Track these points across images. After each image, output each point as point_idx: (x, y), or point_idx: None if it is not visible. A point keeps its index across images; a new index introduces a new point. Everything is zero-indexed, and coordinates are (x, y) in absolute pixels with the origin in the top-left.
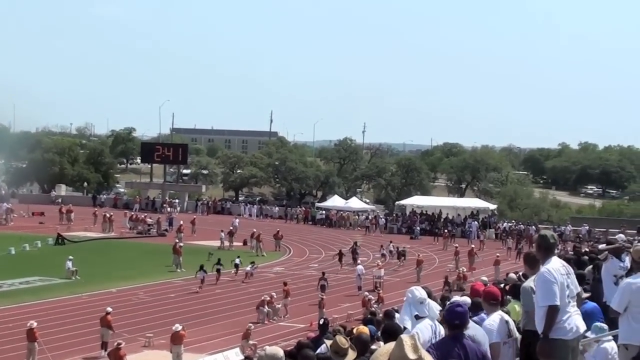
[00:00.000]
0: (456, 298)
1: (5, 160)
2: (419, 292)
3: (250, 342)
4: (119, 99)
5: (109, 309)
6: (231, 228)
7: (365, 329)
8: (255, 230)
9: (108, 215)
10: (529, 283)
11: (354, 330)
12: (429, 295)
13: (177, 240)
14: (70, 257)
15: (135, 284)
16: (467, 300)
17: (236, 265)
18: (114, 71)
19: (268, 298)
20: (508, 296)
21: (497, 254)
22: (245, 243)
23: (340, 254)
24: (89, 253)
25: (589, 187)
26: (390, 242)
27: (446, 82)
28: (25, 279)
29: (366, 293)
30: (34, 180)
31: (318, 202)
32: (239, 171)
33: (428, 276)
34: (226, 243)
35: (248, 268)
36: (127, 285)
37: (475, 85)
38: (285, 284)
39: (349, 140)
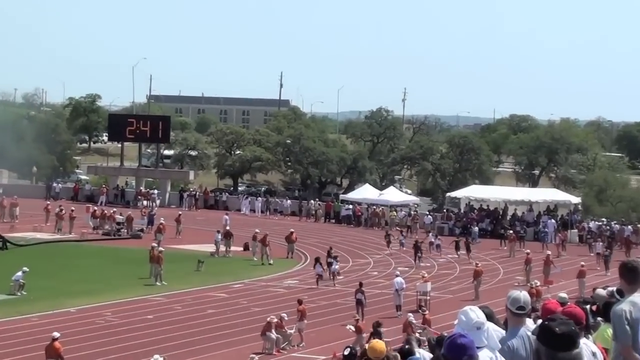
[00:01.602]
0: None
1: None
2: (475, 313)
3: None
4: (79, 56)
5: (56, 334)
6: (227, 228)
7: (380, 345)
8: (258, 231)
9: (64, 210)
10: (625, 305)
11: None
12: (489, 318)
13: (155, 245)
14: (25, 268)
15: (101, 302)
16: (529, 324)
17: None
18: (73, 19)
19: (276, 320)
20: (599, 318)
21: (582, 263)
22: (246, 248)
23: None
24: (40, 260)
25: None
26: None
27: (514, 37)
28: None
29: (410, 315)
30: None
31: (343, 193)
32: (238, 152)
33: (489, 292)
34: (222, 247)
35: (335, 266)
36: (89, 303)
37: (552, 40)
38: (300, 302)
39: (385, 112)
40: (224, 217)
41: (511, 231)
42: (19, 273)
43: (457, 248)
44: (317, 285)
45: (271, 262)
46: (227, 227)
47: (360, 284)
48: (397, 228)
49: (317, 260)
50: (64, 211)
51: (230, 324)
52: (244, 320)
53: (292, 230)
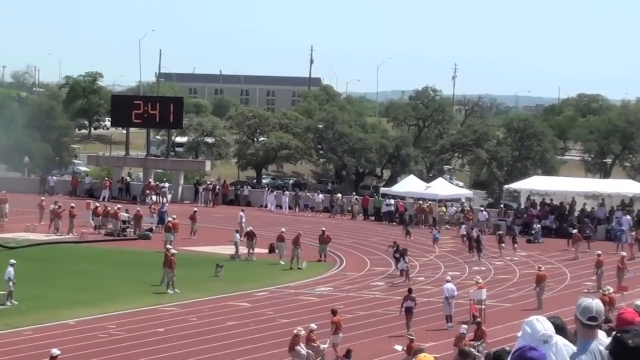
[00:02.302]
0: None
1: None
2: (542, 325)
3: None
4: (77, 29)
5: (56, 352)
6: (250, 228)
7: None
8: (284, 230)
9: (62, 207)
10: None
11: None
12: (559, 330)
13: (170, 247)
14: (12, 260)
15: (104, 313)
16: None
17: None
18: None
19: (304, 333)
20: None
21: None
22: (272, 250)
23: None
24: (33, 264)
25: None
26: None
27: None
28: None
29: (463, 326)
30: None
31: (384, 186)
32: (262, 139)
33: (554, 299)
34: (243, 249)
35: (401, 265)
36: (91, 314)
37: (625, 8)
38: (334, 312)
39: (432, 91)
40: (240, 215)
41: (576, 230)
42: (9, 268)
43: (501, 241)
44: (406, 281)
45: (303, 266)
46: (245, 226)
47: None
48: (447, 226)
49: (402, 253)
50: (61, 208)
51: (253, 338)
52: (269, 334)
53: (323, 229)
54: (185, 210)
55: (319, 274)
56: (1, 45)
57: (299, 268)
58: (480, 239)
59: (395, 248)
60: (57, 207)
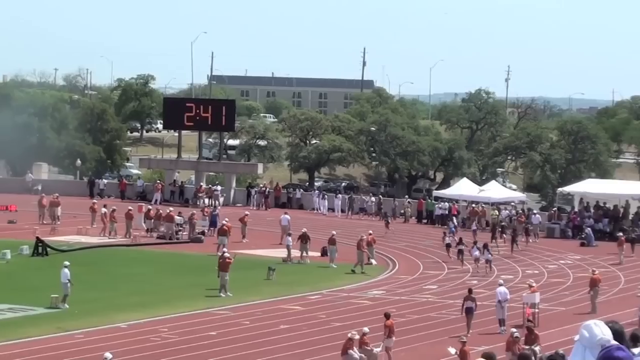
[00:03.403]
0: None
1: None
2: (600, 329)
3: None
4: (129, 31)
5: (109, 355)
6: (304, 230)
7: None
8: (334, 233)
9: (113, 210)
10: None
11: None
12: (617, 336)
13: (225, 250)
14: (66, 262)
15: (156, 316)
16: None
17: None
18: None
19: (357, 337)
20: None
21: None
22: (324, 253)
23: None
24: (85, 268)
25: None
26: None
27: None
28: None
29: (513, 330)
30: None
31: (437, 189)
32: (314, 142)
33: (608, 303)
34: (296, 253)
35: (481, 254)
36: (143, 317)
37: None
38: (387, 316)
39: (485, 94)
40: (284, 217)
41: (621, 233)
42: (65, 270)
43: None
44: (489, 270)
45: (369, 265)
46: (288, 229)
47: (470, 291)
48: (500, 229)
49: (485, 246)
50: (113, 210)
51: (306, 341)
52: (322, 337)
53: (370, 232)
54: (237, 213)
55: (372, 277)
56: (54, 48)
57: (362, 272)
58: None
59: (458, 241)
60: (113, 210)
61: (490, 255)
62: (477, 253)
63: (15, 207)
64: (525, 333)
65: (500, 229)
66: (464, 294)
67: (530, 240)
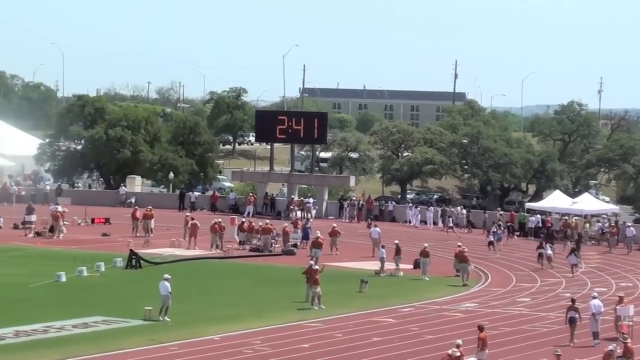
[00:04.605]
0: None
1: (51, 138)
2: None
3: None
4: (222, 45)
5: None
6: (396, 242)
7: None
8: (426, 245)
9: (221, 222)
10: None
11: None
12: None
13: (312, 262)
14: (166, 275)
15: (249, 328)
16: None
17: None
18: (215, 4)
19: (459, 353)
20: None
21: None
22: (416, 265)
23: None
24: (178, 280)
25: None
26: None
27: None
28: (82, 320)
29: (610, 345)
30: (93, 169)
31: (529, 201)
32: (406, 154)
33: None
34: (389, 265)
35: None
36: (235, 329)
37: None
38: (480, 328)
39: (578, 105)
40: (374, 230)
41: None
42: (166, 283)
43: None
44: (572, 275)
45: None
46: (396, 242)
47: (573, 301)
48: (593, 242)
49: (572, 250)
50: (221, 223)
51: (398, 354)
52: (414, 350)
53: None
54: (329, 225)
55: (463, 290)
56: (146, 62)
57: (464, 285)
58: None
59: (539, 244)
60: (215, 223)
61: (577, 260)
62: (572, 259)
63: (109, 219)
64: (622, 347)
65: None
66: (558, 306)
67: (613, 252)
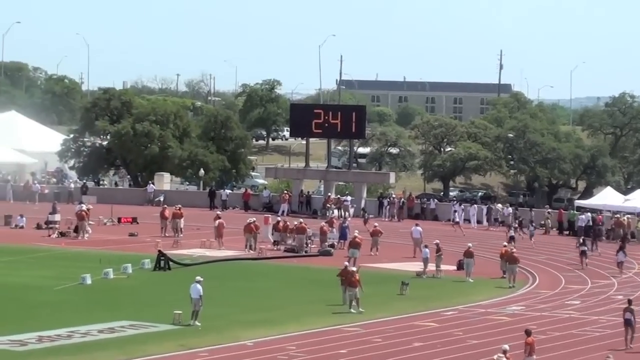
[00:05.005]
0: None
1: (75, 134)
2: None
3: None
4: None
5: None
6: (437, 242)
7: None
8: (470, 245)
9: (256, 221)
10: None
11: None
12: None
13: (347, 263)
14: (199, 278)
15: (283, 333)
16: None
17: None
18: None
19: (504, 359)
20: None
21: None
22: (460, 267)
23: None
24: (209, 283)
25: None
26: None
27: None
28: (109, 325)
29: None
30: (119, 166)
31: (579, 198)
32: (449, 149)
33: None
34: (430, 267)
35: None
36: (269, 334)
37: None
38: (528, 333)
39: (629, 98)
40: (415, 229)
41: None
42: (198, 286)
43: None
44: (620, 274)
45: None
46: (437, 242)
47: (630, 302)
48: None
49: (620, 248)
50: (255, 222)
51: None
52: (458, 356)
53: (505, 244)
54: (368, 225)
55: (510, 292)
56: (175, 53)
57: (511, 286)
58: None
59: (581, 242)
60: (250, 222)
61: (625, 258)
62: (621, 256)
63: (137, 219)
64: None
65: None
66: (609, 309)
67: None
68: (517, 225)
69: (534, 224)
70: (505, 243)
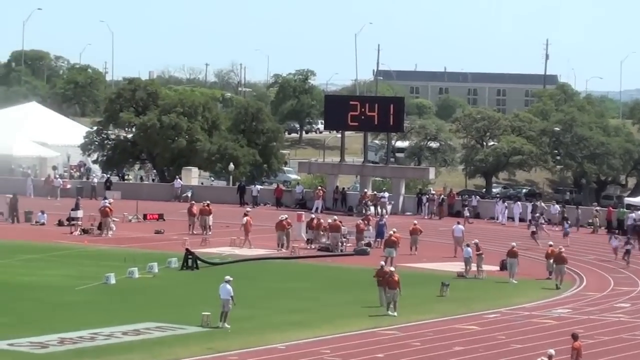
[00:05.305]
0: None
1: (99, 126)
2: None
3: None
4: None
5: None
6: (475, 241)
7: None
8: (514, 244)
9: (287, 218)
10: None
11: None
12: None
13: (383, 263)
14: (228, 277)
15: (317, 336)
16: None
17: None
18: None
19: None
20: None
21: None
22: (503, 267)
23: None
24: (238, 283)
25: None
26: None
27: None
28: (133, 326)
29: None
30: (145, 160)
31: (629, 195)
32: (492, 143)
33: None
34: (472, 267)
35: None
36: (302, 337)
37: None
38: (575, 337)
39: None
40: (457, 228)
41: None
42: (228, 286)
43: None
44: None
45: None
46: (476, 241)
47: None
48: None
49: None
50: (288, 219)
51: None
52: None
53: (551, 243)
54: (406, 222)
55: (556, 294)
56: (205, 42)
57: (557, 287)
58: None
59: (625, 241)
60: (282, 219)
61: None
62: None
63: (164, 215)
64: None
65: None
66: None
67: None
68: (538, 222)
69: (569, 222)
70: (551, 242)
